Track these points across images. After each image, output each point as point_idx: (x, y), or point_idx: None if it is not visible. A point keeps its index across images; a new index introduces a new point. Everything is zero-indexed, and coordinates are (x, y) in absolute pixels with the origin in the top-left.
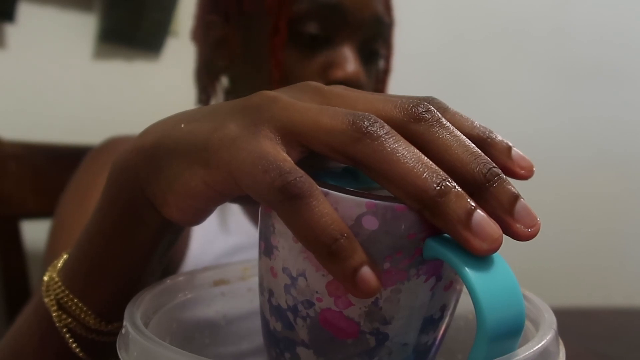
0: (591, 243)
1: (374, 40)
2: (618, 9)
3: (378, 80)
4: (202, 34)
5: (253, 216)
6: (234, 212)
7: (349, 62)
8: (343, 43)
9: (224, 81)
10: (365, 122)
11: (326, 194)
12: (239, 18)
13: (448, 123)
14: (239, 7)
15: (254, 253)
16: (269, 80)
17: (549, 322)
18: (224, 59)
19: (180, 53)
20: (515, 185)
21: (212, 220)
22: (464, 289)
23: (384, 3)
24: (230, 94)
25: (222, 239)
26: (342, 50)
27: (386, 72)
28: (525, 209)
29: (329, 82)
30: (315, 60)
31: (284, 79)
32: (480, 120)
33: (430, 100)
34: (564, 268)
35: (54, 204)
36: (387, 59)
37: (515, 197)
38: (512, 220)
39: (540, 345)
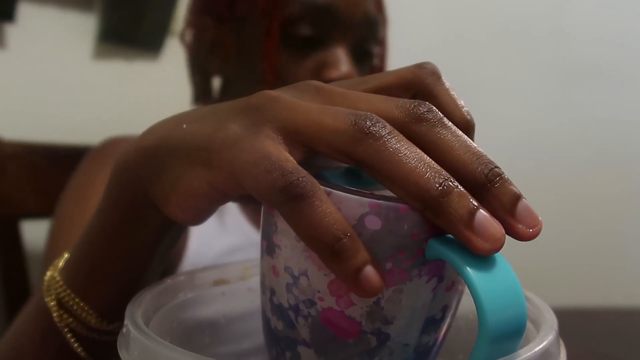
0: (591, 243)
1: (366, 40)
2: (618, 9)
3: None
4: (195, 36)
5: (251, 216)
6: (233, 213)
7: (342, 62)
8: (335, 44)
9: (216, 82)
10: (368, 122)
11: (329, 194)
12: (231, 20)
13: (450, 123)
14: (232, 9)
15: (252, 253)
16: (262, 82)
17: (550, 323)
18: (217, 61)
19: (180, 53)
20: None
21: (210, 220)
22: (466, 290)
23: (375, 2)
24: (223, 95)
25: (220, 239)
26: (334, 51)
27: (381, 70)
28: (526, 209)
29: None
30: (308, 62)
31: (278, 82)
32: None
33: (425, 65)
34: (564, 268)
35: (54, 204)
36: (382, 57)
37: (517, 198)
38: (513, 221)
39: (541, 346)
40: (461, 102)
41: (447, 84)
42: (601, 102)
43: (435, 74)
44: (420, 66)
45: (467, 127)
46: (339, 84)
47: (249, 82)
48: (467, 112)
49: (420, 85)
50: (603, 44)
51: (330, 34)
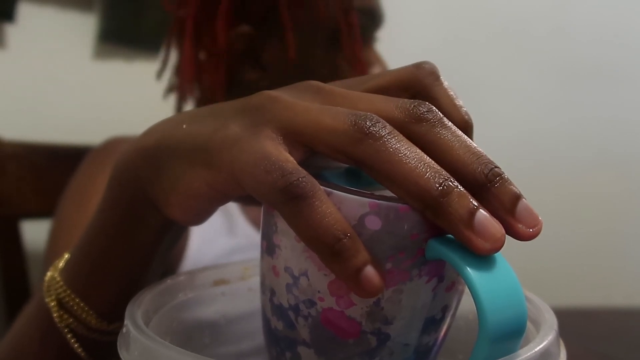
0: (591, 243)
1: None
2: (618, 9)
3: None
4: (226, 47)
5: (252, 218)
6: (234, 214)
7: (379, 59)
8: (369, 40)
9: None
10: (367, 123)
11: (329, 194)
12: (270, 29)
13: (450, 123)
14: (268, 17)
15: (252, 254)
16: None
17: (550, 323)
18: (251, 71)
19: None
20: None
21: (211, 221)
22: (466, 290)
23: None
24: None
25: (221, 240)
26: (371, 48)
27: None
28: (527, 209)
29: None
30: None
31: None
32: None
33: (424, 65)
34: (564, 268)
35: (54, 204)
36: None
37: (517, 197)
38: (513, 221)
39: (541, 346)
40: (460, 102)
41: (446, 84)
42: (601, 102)
43: (434, 74)
44: (418, 66)
45: (466, 128)
46: (338, 83)
47: None
48: (466, 112)
49: (419, 86)
50: (603, 44)
51: (367, 33)
